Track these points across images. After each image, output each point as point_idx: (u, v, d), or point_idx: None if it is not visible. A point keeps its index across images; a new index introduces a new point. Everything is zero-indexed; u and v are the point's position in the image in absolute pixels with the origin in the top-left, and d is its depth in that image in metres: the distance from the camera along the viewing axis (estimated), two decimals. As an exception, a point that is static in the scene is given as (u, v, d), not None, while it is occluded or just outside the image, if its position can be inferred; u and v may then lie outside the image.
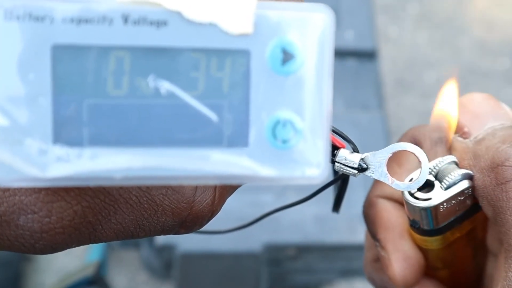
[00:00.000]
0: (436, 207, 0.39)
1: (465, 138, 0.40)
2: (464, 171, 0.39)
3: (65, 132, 0.27)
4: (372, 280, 0.48)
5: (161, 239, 1.37)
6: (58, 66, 0.27)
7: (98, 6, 0.27)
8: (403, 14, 2.43)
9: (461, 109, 0.41)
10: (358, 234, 1.38)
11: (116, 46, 0.27)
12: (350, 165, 0.35)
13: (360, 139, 1.49)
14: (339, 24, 1.70)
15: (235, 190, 0.36)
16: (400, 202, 0.44)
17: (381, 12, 2.37)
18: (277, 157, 0.29)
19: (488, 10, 2.46)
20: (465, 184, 0.39)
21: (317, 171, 0.29)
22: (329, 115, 0.29)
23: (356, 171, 0.35)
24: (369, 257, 0.48)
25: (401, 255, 0.43)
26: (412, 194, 0.39)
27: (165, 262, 1.50)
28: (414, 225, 0.41)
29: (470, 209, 0.41)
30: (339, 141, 0.36)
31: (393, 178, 0.35)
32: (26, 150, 0.27)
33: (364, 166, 0.35)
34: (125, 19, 0.27)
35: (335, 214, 0.46)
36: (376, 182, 0.45)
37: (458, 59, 2.35)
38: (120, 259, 1.67)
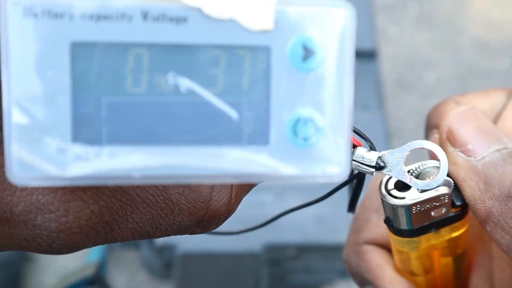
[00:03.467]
0: (409, 207, 0.38)
1: (468, 155, 0.40)
2: (443, 178, 0.37)
3: (84, 131, 0.27)
4: (348, 264, 0.48)
5: (161, 239, 1.37)
6: (77, 64, 0.27)
7: (117, 3, 0.26)
8: (403, 14, 2.43)
9: (462, 120, 0.41)
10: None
11: (135, 43, 0.27)
12: (368, 164, 0.35)
13: (360, 139, 1.49)
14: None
15: (251, 189, 0.35)
16: (383, 246, 0.45)
17: (381, 12, 2.37)
18: (298, 155, 0.28)
19: (488, 10, 2.46)
20: (442, 190, 0.38)
21: (338, 169, 0.29)
22: (350, 112, 0.29)
23: (373, 170, 0.35)
24: (351, 240, 0.48)
25: None
26: (388, 192, 0.39)
27: (165, 262, 1.50)
28: (387, 222, 0.40)
29: (447, 218, 0.40)
30: (356, 139, 0.35)
31: (411, 177, 0.35)
32: (45, 148, 0.27)
33: (382, 164, 0.35)
34: (145, 15, 0.27)
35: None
36: (357, 227, 0.46)
37: (458, 59, 2.35)
38: (120, 259, 1.67)
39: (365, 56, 1.68)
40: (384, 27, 2.37)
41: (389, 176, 0.39)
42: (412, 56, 2.33)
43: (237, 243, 1.37)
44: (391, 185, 0.39)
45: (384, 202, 0.39)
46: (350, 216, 0.47)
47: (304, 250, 1.42)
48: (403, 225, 0.40)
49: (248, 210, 1.32)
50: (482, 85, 2.26)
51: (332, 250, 1.43)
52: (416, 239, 0.41)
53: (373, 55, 1.69)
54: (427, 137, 0.45)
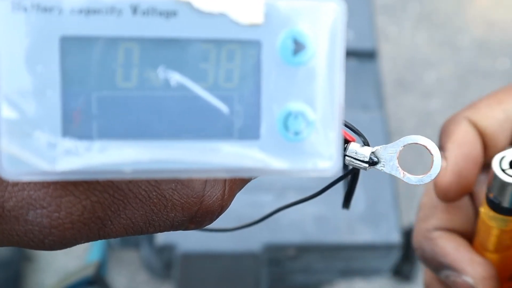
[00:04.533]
0: None
1: None
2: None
3: (74, 125, 0.27)
4: (421, 251, 0.49)
5: (161, 239, 1.37)
6: (66, 58, 0.27)
7: None
8: (403, 14, 2.44)
9: None
10: (358, 234, 1.38)
11: (125, 37, 0.27)
12: (361, 159, 0.35)
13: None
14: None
15: (245, 184, 0.35)
16: (453, 230, 0.47)
17: (381, 12, 2.37)
18: (289, 149, 0.28)
19: (488, 10, 2.46)
20: None
21: (329, 163, 0.29)
22: (341, 106, 0.29)
23: (367, 165, 0.35)
24: (422, 227, 0.48)
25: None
26: (503, 170, 0.41)
27: (165, 262, 1.50)
28: (494, 201, 0.43)
29: None
30: (349, 134, 0.35)
31: (404, 172, 0.35)
32: (35, 143, 0.27)
33: (375, 159, 0.35)
34: (134, 9, 0.26)
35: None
36: (425, 215, 0.48)
37: (458, 59, 2.35)
38: (120, 259, 1.67)
39: (365, 56, 1.68)
40: (384, 27, 2.37)
41: (503, 155, 0.42)
42: (412, 56, 2.33)
43: (237, 243, 1.37)
44: (505, 164, 0.41)
45: (496, 182, 0.42)
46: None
47: (304, 250, 1.42)
48: (506, 203, 0.42)
49: (248, 210, 1.32)
50: (482, 85, 2.26)
51: (332, 250, 1.43)
52: (510, 218, 0.43)
53: (373, 55, 1.68)
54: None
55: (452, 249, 0.46)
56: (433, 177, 0.35)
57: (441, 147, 0.46)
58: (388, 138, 1.52)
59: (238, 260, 1.40)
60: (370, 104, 1.62)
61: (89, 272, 1.49)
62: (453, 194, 0.46)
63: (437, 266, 0.47)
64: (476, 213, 0.48)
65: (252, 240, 1.37)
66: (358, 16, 1.73)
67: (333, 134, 0.29)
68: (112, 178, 0.30)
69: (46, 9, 0.26)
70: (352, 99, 1.60)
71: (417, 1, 2.47)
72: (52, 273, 1.51)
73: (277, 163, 0.28)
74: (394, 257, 1.49)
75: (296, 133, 0.28)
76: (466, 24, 2.43)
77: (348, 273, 1.57)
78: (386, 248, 1.42)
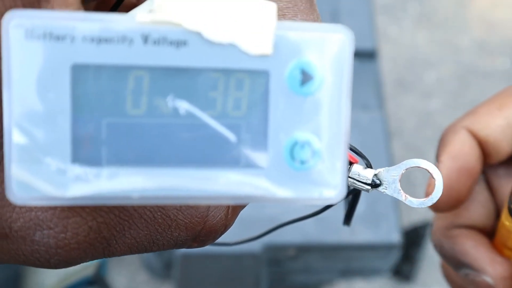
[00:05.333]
0: None
1: None
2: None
3: (83, 152, 0.27)
4: (440, 248, 0.48)
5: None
6: (77, 85, 0.27)
7: (118, 26, 0.27)
8: (403, 14, 2.43)
9: None
10: (358, 234, 1.39)
11: (136, 66, 0.27)
12: (364, 181, 0.35)
13: (360, 139, 1.49)
14: (339, 24, 1.70)
15: (248, 204, 0.36)
16: (474, 228, 0.47)
17: (381, 12, 2.37)
18: (295, 178, 0.29)
19: (488, 10, 2.46)
20: None
21: (334, 192, 0.29)
22: (347, 136, 0.29)
23: (369, 187, 0.35)
24: (441, 224, 0.48)
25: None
26: None
27: (165, 262, 1.50)
28: None
29: None
30: (352, 156, 0.36)
31: (406, 195, 0.35)
32: (45, 169, 0.27)
33: (378, 182, 0.35)
34: (145, 39, 0.27)
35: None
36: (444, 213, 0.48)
37: (458, 59, 2.35)
38: (120, 259, 1.68)
39: (365, 56, 1.68)
40: (384, 27, 2.37)
41: None
42: (412, 56, 2.33)
43: (235, 246, 1.38)
44: None
45: None
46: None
47: (304, 250, 1.42)
48: None
49: (248, 210, 1.32)
50: (482, 85, 2.26)
51: (332, 250, 1.43)
52: None
53: (373, 55, 1.69)
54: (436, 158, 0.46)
55: (472, 248, 0.46)
56: (434, 201, 0.35)
57: (437, 158, 0.46)
58: (388, 138, 1.52)
59: (238, 260, 1.40)
60: (370, 104, 1.62)
61: (89, 272, 1.49)
62: (443, 207, 0.46)
63: (457, 264, 0.47)
64: (496, 208, 0.48)
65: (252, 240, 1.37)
66: (358, 16, 1.73)
67: (339, 164, 0.29)
68: (120, 204, 0.31)
69: (59, 38, 0.26)
70: (352, 99, 1.60)
71: (417, 1, 2.47)
72: (52, 273, 1.51)
73: (282, 192, 0.29)
74: (394, 257, 1.49)
75: (302, 162, 0.29)
76: (466, 24, 2.43)
77: (348, 273, 1.57)
78: (386, 248, 1.43)
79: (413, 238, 1.84)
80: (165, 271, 1.56)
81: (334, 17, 1.70)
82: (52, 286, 1.45)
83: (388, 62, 2.26)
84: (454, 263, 0.47)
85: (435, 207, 0.46)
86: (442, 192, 0.41)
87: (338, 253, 1.45)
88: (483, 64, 2.33)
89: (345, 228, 1.38)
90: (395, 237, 1.41)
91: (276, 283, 1.55)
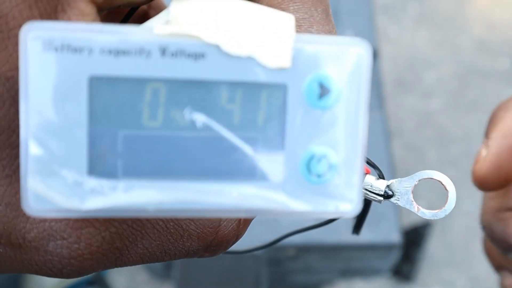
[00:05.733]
0: None
1: None
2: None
3: (100, 164, 0.27)
4: (489, 230, 0.48)
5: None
6: (94, 97, 0.27)
7: (136, 38, 0.26)
8: (403, 14, 2.44)
9: None
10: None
11: (153, 78, 0.27)
12: (376, 192, 0.35)
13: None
14: (339, 24, 1.70)
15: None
16: None
17: (381, 12, 2.38)
18: (311, 192, 0.29)
19: (488, 10, 2.47)
20: None
21: (350, 206, 0.29)
22: (363, 149, 0.29)
23: (381, 198, 0.35)
24: (491, 206, 0.48)
25: None
26: None
27: (165, 262, 1.50)
28: None
29: None
30: (365, 167, 0.35)
31: (418, 206, 0.35)
32: (61, 181, 0.27)
33: (390, 193, 0.35)
34: (163, 51, 0.27)
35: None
36: (495, 193, 0.47)
37: (458, 59, 2.36)
38: (121, 259, 1.67)
39: (365, 56, 1.68)
40: (384, 27, 2.38)
41: None
42: (412, 56, 2.33)
43: (237, 243, 1.37)
44: None
45: None
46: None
47: (304, 250, 1.42)
48: None
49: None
50: (482, 85, 2.26)
51: (332, 250, 1.43)
52: None
53: (373, 55, 1.69)
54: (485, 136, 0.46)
55: None
56: (447, 212, 0.35)
57: (486, 134, 0.45)
58: (388, 138, 1.52)
59: (238, 260, 1.40)
60: (370, 104, 1.62)
61: (89, 271, 1.48)
62: (490, 185, 0.45)
63: (507, 247, 0.46)
64: None
65: (252, 241, 1.37)
66: (358, 16, 1.73)
67: (355, 178, 0.29)
68: (136, 217, 0.31)
69: (76, 50, 0.26)
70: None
71: (417, 1, 2.47)
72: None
73: (298, 205, 0.29)
74: (394, 257, 1.49)
75: (319, 176, 0.29)
76: (466, 24, 2.44)
77: (348, 273, 1.57)
78: (386, 248, 1.43)
79: (413, 238, 1.84)
80: (165, 271, 1.56)
81: (334, 17, 1.69)
82: (52, 286, 1.45)
83: (388, 62, 2.26)
84: (503, 246, 0.46)
85: (482, 185, 0.45)
86: (491, 170, 0.41)
87: (338, 253, 1.45)
88: (483, 64, 2.34)
89: (345, 228, 1.38)
90: (395, 237, 1.41)
91: (276, 283, 1.55)
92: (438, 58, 2.33)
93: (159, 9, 0.40)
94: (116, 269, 1.70)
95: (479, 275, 2.00)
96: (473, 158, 0.45)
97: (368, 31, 1.73)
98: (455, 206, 0.37)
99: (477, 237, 1.99)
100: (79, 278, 1.47)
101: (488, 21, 2.41)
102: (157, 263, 1.52)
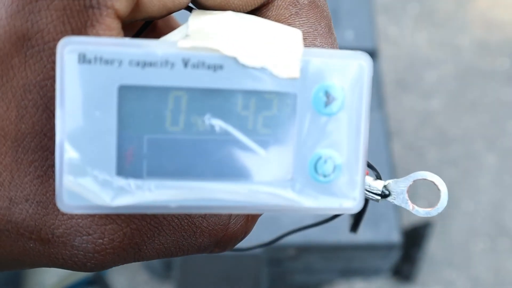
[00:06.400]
0: None
1: None
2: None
3: (127, 165, 0.30)
4: None
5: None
6: (123, 105, 0.30)
7: (161, 51, 0.29)
8: (403, 14, 2.45)
9: None
10: (358, 234, 1.39)
11: (176, 87, 0.30)
12: (374, 192, 0.38)
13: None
14: (339, 24, 1.72)
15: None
16: None
17: (381, 12, 2.39)
18: (318, 190, 0.32)
19: (488, 10, 2.47)
20: None
21: (353, 203, 0.32)
22: (365, 152, 0.32)
23: (379, 197, 0.38)
24: None
25: None
26: None
27: (165, 262, 1.51)
28: None
29: None
30: None
31: (413, 205, 0.38)
32: (93, 180, 0.30)
33: (387, 192, 0.38)
34: (185, 63, 0.30)
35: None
36: None
37: (458, 59, 2.36)
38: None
39: (365, 56, 1.69)
40: (384, 27, 2.39)
41: None
42: (412, 56, 2.34)
43: (239, 243, 1.38)
44: None
45: None
46: (350, 216, 0.50)
47: (304, 250, 1.44)
48: None
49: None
50: (482, 85, 2.27)
51: (332, 250, 1.44)
52: None
53: (373, 55, 1.70)
54: None
55: None
56: (440, 211, 0.38)
57: None
58: (388, 138, 1.54)
59: (238, 260, 1.41)
60: (370, 104, 1.64)
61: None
62: None
63: None
64: None
65: (252, 241, 1.37)
66: (358, 16, 1.74)
67: (358, 178, 0.32)
68: (159, 213, 0.34)
69: (108, 62, 0.29)
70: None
71: (417, 1, 2.48)
72: (52, 273, 1.51)
73: (307, 202, 0.32)
74: (394, 257, 1.50)
75: (325, 176, 0.32)
76: (466, 24, 2.44)
77: (348, 273, 1.58)
78: (386, 248, 1.44)
79: (413, 238, 1.85)
80: (165, 271, 1.57)
81: (334, 17, 1.71)
82: (52, 286, 1.46)
83: (388, 62, 2.27)
84: None
85: None
86: None
87: (338, 253, 1.46)
88: (483, 64, 2.35)
89: (345, 228, 1.39)
90: (395, 237, 1.42)
91: (276, 283, 1.56)
92: (438, 58, 2.34)
93: (167, 21, 0.44)
94: (116, 269, 1.71)
95: (479, 275, 2.01)
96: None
97: (368, 31, 1.74)
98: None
99: (477, 237, 2.00)
100: (79, 278, 1.48)
101: (488, 21, 2.43)
102: (157, 263, 1.54)
